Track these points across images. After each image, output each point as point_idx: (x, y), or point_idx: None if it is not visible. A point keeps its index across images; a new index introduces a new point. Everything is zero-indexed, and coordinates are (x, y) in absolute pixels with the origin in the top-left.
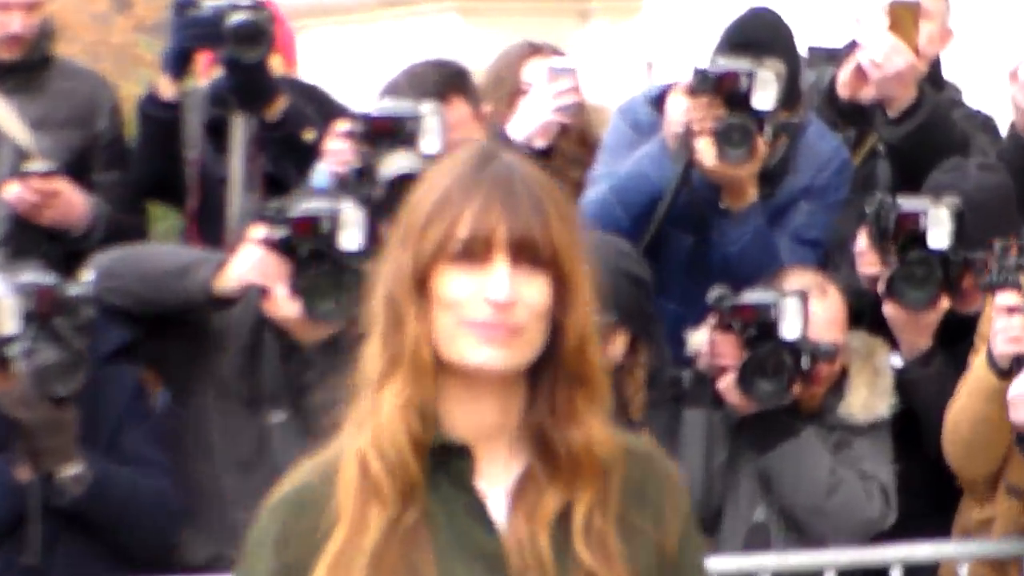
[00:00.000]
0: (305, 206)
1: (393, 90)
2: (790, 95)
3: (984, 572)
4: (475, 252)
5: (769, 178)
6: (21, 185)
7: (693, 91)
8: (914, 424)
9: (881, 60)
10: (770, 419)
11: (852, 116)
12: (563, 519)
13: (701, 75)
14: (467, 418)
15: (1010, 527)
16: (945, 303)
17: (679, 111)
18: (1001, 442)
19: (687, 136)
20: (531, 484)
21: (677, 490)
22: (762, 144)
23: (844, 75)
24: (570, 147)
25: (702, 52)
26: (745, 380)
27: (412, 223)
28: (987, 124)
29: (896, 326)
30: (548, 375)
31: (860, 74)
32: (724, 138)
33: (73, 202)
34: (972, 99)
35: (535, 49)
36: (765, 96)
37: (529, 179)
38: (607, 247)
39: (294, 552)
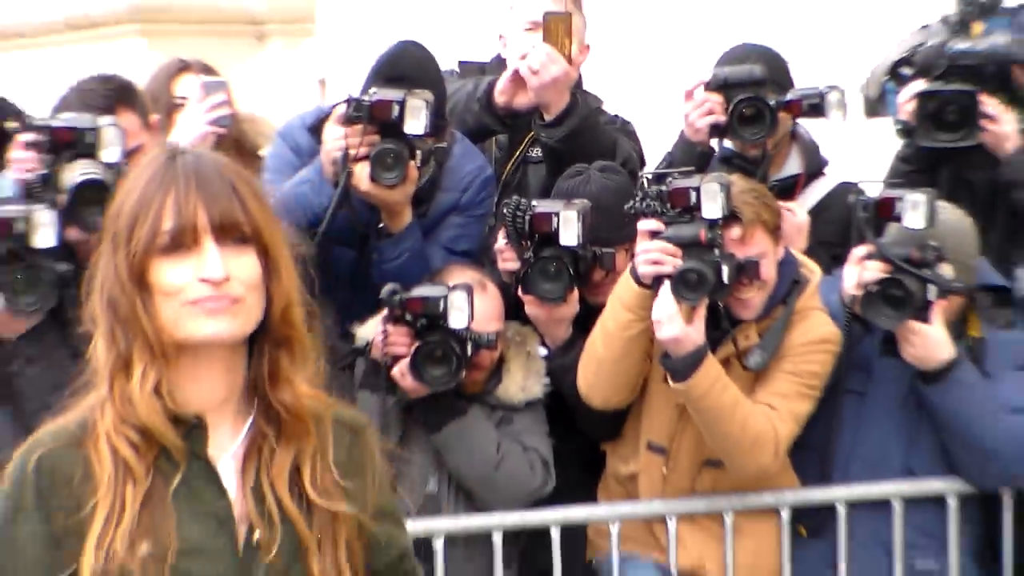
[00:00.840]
0: None
1: (64, 105)
2: (437, 124)
3: (635, 525)
4: (183, 241)
5: (422, 198)
6: None
7: (348, 119)
8: (565, 405)
9: (538, 67)
10: (440, 400)
11: (508, 122)
12: (293, 470)
13: (355, 104)
14: (197, 393)
15: (654, 481)
16: (576, 297)
17: (336, 137)
18: (633, 358)
19: (344, 161)
20: (262, 444)
21: (377, 455)
22: (414, 169)
23: (501, 83)
24: (227, 154)
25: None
26: (417, 367)
27: (119, 227)
28: (625, 128)
29: (535, 319)
30: (261, 343)
31: (517, 81)
32: (378, 162)
33: None
34: (610, 106)
35: (185, 66)
36: (416, 123)
37: (218, 166)
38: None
39: (60, 523)
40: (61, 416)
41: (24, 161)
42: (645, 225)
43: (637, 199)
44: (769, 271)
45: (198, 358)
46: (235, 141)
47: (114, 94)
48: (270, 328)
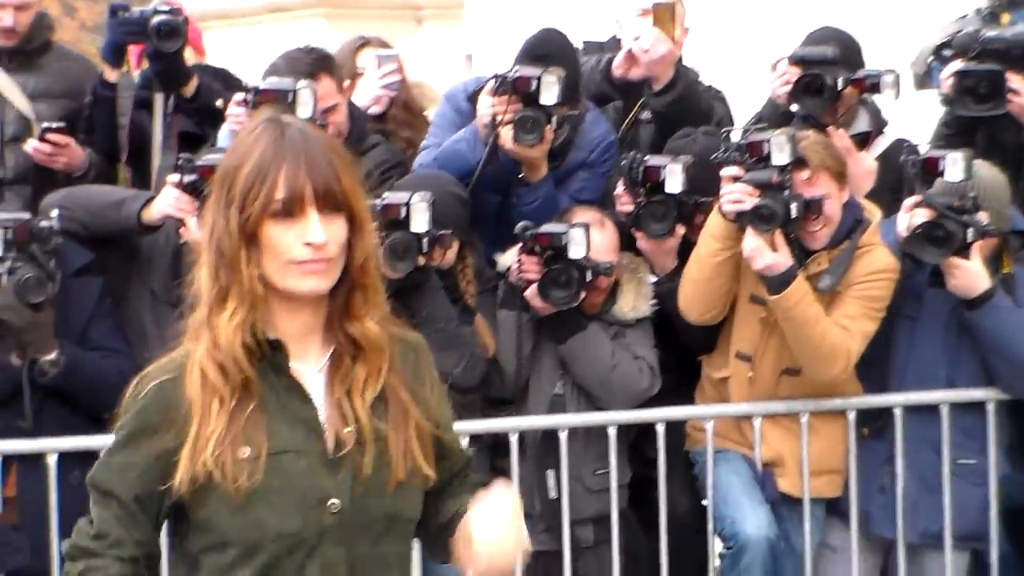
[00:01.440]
0: (208, 157)
1: (274, 70)
2: (571, 95)
3: (726, 423)
4: (292, 209)
5: (556, 155)
6: (40, 141)
7: (496, 91)
8: (670, 322)
9: (648, 47)
10: (565, 317)
11: (623, 90)
12: (367, 387)
13: (502, 79)
14: (288, 324)
15: (741, 384)
16: (681, 231)
17: (487, 106)
18: (720, 279)
19: (493, 124)
20: (341, 365)
21: (433, 369)
22: (549, 132)
23: (618, 59)
24: (399, 113)
25: (510, 48)
26: (544, 289)
27: (234, 187)
28: (718, 96)
29: (645, 251)
30: (342, 287)
31: (631, 58)
32: (520, 126)
33: (77, 152)
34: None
35: (365, 41)
36: (549, 95)
37: (320, 142)
38: (439, 178)
39: (161, 438)
40: (170, 349)
41: (237, 116)
42: (728, 171)
43: (721, 151)
44: (833, 209)
45: (291, 299)
46: (404, 103)
47: (316, 62)
48: (350, 276)
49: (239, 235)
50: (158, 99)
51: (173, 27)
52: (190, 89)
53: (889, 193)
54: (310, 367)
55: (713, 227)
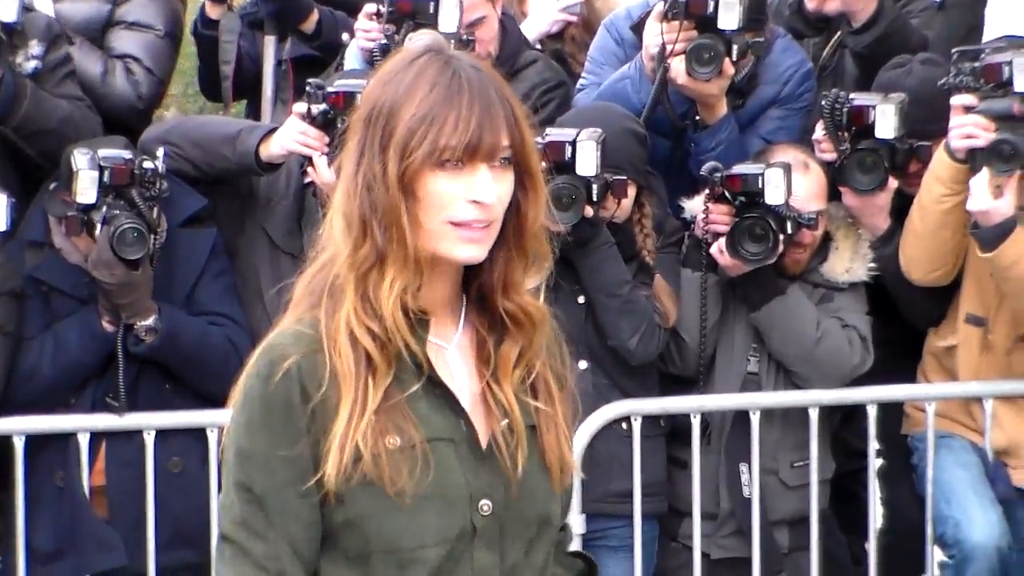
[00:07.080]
0: (340, 83)
1: None
2: (756, 17)
3: (952, 403)
4: (460, 160)
5: (740, 92)
6: None
7: (666, 16)
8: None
9: None
10: (760, 278)
11: (818, 25)
12: (517, 367)
13: (673, 1)
14: (430, 292)
15: (971, 354)
16: (893, 184)
17: (654, 33)
18: (948, 231)
19: (662, 56)
20: (481, 340)
21: (564, 344)
22: (729, 64)
23: None
24: (578, 33)
25: None
26: (734, 243)
27: (395, 130)
28: None
29: (853, 208)
30: (499, 254)
31: None
32: (695, 57)
33: None
34: None
35: None
36: (729, 17)
37: (496, 85)
38: (611, 112)
39: (319, 421)
40: (289, 314)
41: (368, 31)
42: (959, 100)
43: (951, 76)
44: None
45: (437, 265)
46: (585, 21)
47: None
48: (510, 242)
49: (398, 186)
50: (268, 43)
51: None
52: (310, 25)
53: None
54: (447, 342)
55: (939, 168)
